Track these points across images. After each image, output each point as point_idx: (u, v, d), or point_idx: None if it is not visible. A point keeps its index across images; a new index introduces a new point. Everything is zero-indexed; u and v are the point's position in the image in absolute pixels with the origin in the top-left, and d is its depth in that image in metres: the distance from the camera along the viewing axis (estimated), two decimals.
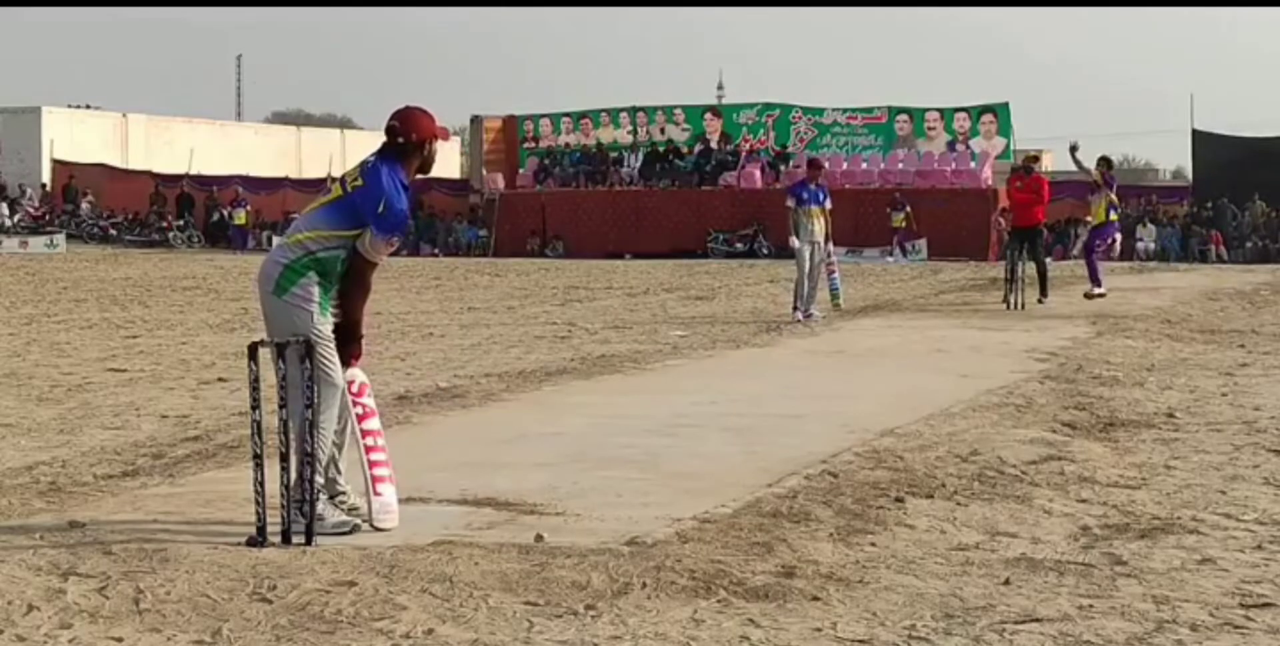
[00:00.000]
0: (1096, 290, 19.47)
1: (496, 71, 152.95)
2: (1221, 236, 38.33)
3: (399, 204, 6.05)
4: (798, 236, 17.70)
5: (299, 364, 5.86)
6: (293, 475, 5.76)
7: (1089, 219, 20.84)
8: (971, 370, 11.88)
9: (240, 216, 45.48)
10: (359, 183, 6.10)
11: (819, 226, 17.70)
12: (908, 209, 37.75)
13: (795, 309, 17.58)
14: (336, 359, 6.03)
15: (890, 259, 37.08)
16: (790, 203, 17.88)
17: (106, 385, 11.29)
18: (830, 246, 18.31)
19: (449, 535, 5.77)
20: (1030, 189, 20.19)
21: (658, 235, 40.52)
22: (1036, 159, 21.17)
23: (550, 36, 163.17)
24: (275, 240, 6.12)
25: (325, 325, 6.01)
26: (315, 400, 5.88)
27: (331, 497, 6.02)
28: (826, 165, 21.92)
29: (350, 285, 6.10)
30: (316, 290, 6.00)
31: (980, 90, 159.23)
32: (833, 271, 19.03)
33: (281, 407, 5.72)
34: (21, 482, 7.09)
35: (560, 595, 4.94)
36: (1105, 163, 20.20)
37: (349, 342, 6.10)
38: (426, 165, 6.25)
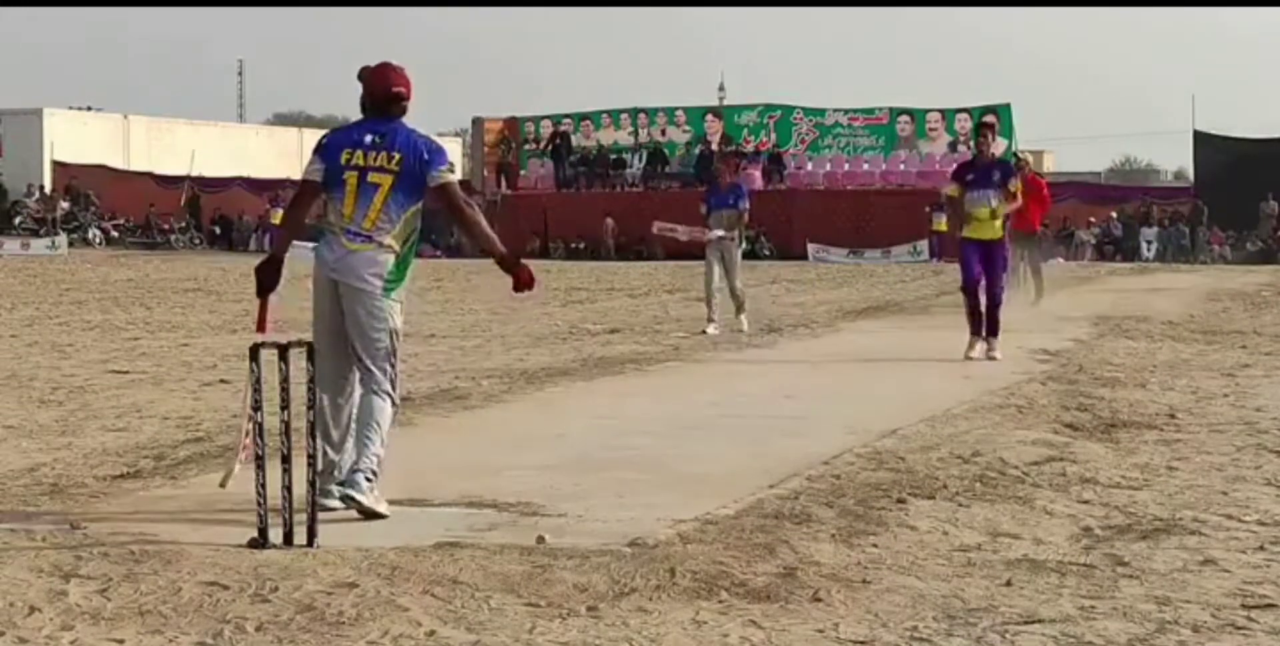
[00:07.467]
0: None
1: (498, 73, 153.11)
2: (1223, 237, 38.36)
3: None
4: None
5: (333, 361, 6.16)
6: (318, 462, 5.96)
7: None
8: (973, 371, 11.88)
9: (277, 216, 45.04)
10: (397, 156, 6.23)
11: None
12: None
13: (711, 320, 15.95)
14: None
15: (934, 260, 36.48)
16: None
17: (108, 387, 11.29)
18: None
19: (451, 537, 5.77)
20: (1023, 192, 19.22)
21: (659, 236, 40.49)
22: (1018, 156, 20.78)
23: (551, 37, 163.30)
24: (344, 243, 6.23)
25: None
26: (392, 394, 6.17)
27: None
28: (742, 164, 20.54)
29: (463, 231, 6.55)
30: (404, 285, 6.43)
31: (982, 91, 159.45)
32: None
33: (283, 409, 5.72)
34: (23, 484, 7.08)
35: (562, 596, 4.94)
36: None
37: (511, 272, 6.36)
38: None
